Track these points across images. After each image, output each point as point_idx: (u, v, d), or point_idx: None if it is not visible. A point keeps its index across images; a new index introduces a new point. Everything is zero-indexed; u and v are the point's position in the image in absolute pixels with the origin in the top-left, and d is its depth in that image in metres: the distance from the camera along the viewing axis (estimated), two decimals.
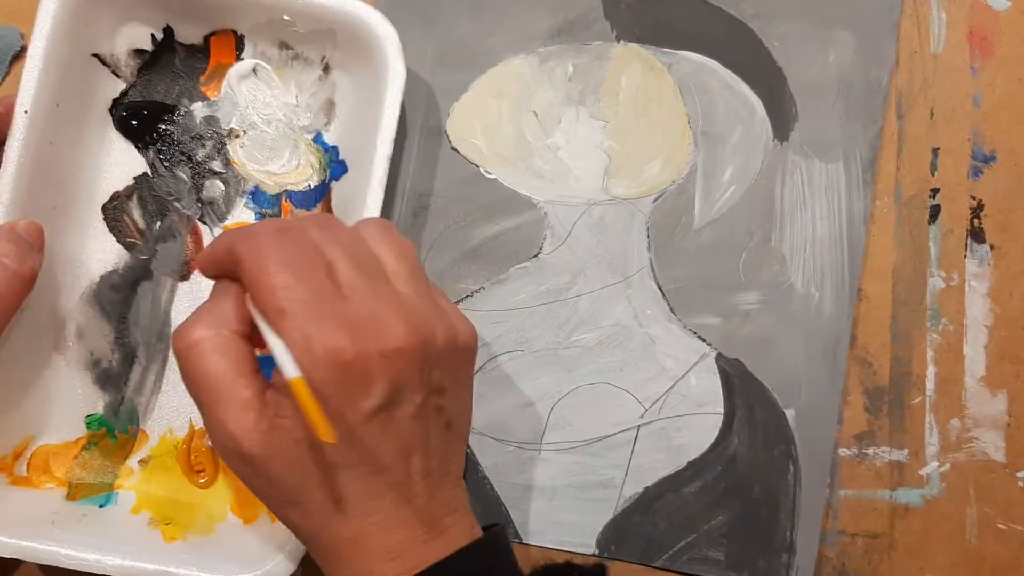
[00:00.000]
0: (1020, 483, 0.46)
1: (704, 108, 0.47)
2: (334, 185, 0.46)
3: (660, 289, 0.46)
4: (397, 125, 0.42)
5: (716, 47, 0.47)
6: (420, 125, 0.47)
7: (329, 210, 0.46)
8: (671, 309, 0.46)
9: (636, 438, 0.46)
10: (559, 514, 0.45)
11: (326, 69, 0.46)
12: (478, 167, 0.47)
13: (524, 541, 0.45)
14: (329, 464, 0.33)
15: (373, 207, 0.42)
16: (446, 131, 0.47)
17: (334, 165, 0.46)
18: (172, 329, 0.45)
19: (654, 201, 0.47)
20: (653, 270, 0.47)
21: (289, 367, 0.31)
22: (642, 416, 0.46)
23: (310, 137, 0.46)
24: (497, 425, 0.46)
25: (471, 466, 0.46)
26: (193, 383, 0.34)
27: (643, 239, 0.47)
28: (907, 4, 0.47)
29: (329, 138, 0.46)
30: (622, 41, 0.47)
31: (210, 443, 0.34)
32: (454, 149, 0.47)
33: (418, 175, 0.47)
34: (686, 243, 0.46)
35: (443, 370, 0.34)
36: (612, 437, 0.46)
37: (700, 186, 0.47)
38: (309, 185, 0.46)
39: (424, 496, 0.34)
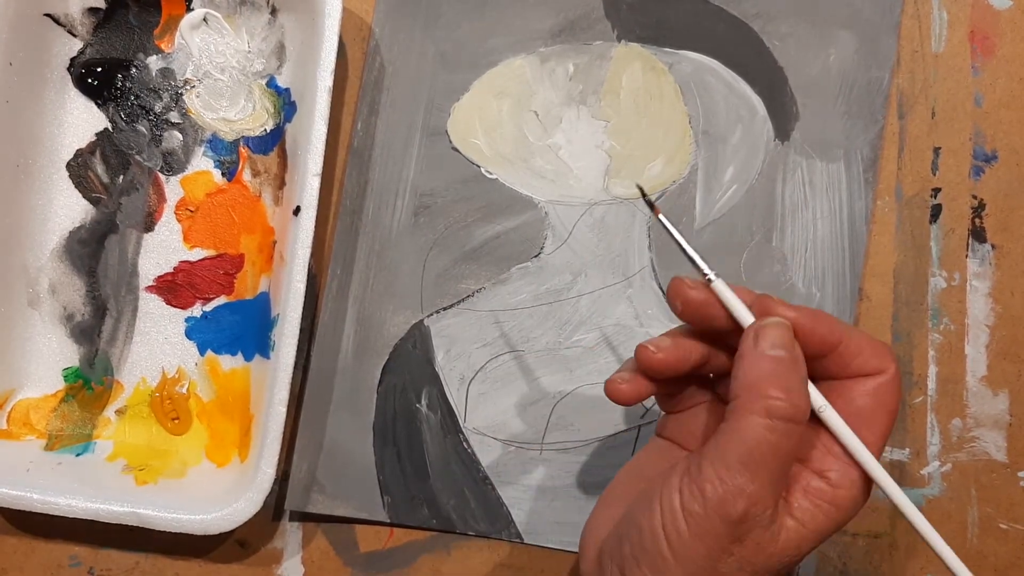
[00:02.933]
0: (1022, 483, 0.46)
1: (705, 108, 0.47)
2: (287, 127, 0.47)
3: (661, 289, 0.46)
4: (336, 59, 0.43)
5: (717, 47, 0.47)
6: (421, 125, 0.47)
7: (284, 152, 0.47)
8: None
9: (637, 438, 0.46)
10: (560, 514, 0.45)
11: (273, 12, 0.46)
12: (479, 167, 0.47)
13: (525, 541, 0.45)
14: None
15: (317, 142, 0.42)
16: (447, 131, 0.47)
17: (287, 107, 0.47)
18: (140, 280, 0.47)
19: (655, 201, 0.47)
20: (654, 270, 0.47)
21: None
22: (643, 416, 0.46)
23: (264, 82, 0.47)
24: (498, 425, 0.46)
25: (471, 467, 0.46)
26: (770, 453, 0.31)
27: (644, 239, 0.47)
28: (908, 3, 0.47)
29: (282, 81, 0.47)
30: (623, 41, 0.47)
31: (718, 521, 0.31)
32: (455, 149, 0.47)
33: (419, 175, 0.47)
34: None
35: None
36: (613, 437, 0.46)
37: (701, 186, 0.47)
38: (265, 130, 0.47)
39: None
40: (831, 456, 0.33)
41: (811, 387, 0.33)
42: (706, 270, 0.34)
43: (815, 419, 0.33)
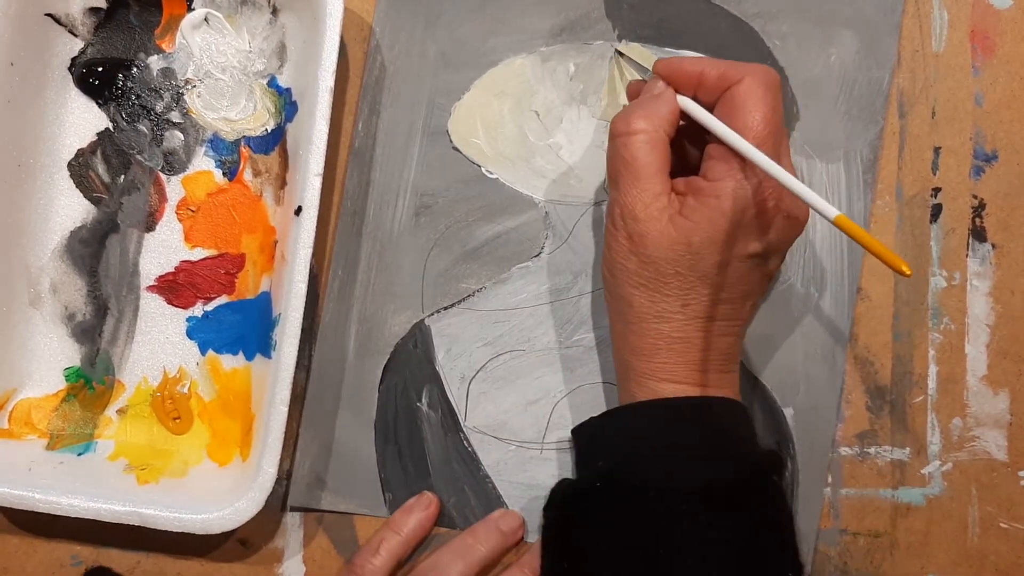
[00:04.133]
0: (1022, 482, 0.46)
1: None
2: (288, 127, 0.47)
3: None
4: (337, 59, 0.43)
5: (717, 46, 0.47)
6: (422, 125, 0.47)
7: (285, 152, 0.47)
8: None
9: None
10: None
11: (275, 12, 0.46)
12: (480, 167, 0.47)
13: (527, 539, 0.46)
14: (696, 274, 0.38)
15: (318, 142, 0.42)
16: (448, 131, 0.47)
17: (288, 107, 0.47)
18: (141, 279, 0.47)
19: None
20: None
21: (827, 208, 0.35)
22: None
23: (265, 82, 0.47)
24: (499, 424, 0.46)
25: (472, 465, 0.46)
26: (620, 163, 0.39)
27: None
28: (909, 3, 0.47)
29: (283, 81, 0.47)
30: (624, 40, 0.47)
31: (612, 219, 0.39)
32: (456, 149, 0.47)
33: (420, 175, 0.47)
34: None
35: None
36: None
37: None
38: (266, 129, 0.47)
39: (737, 338, 0.41)
40: (711, 160, 0.39)
41: (684, 99, 0.40)
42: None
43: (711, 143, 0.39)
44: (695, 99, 0.40)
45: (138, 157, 0.47)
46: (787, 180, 0.36)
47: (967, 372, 0.46)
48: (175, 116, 0.47)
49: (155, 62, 0.47)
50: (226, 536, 0.46)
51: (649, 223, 0.38)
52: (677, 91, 0.40)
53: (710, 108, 0.39)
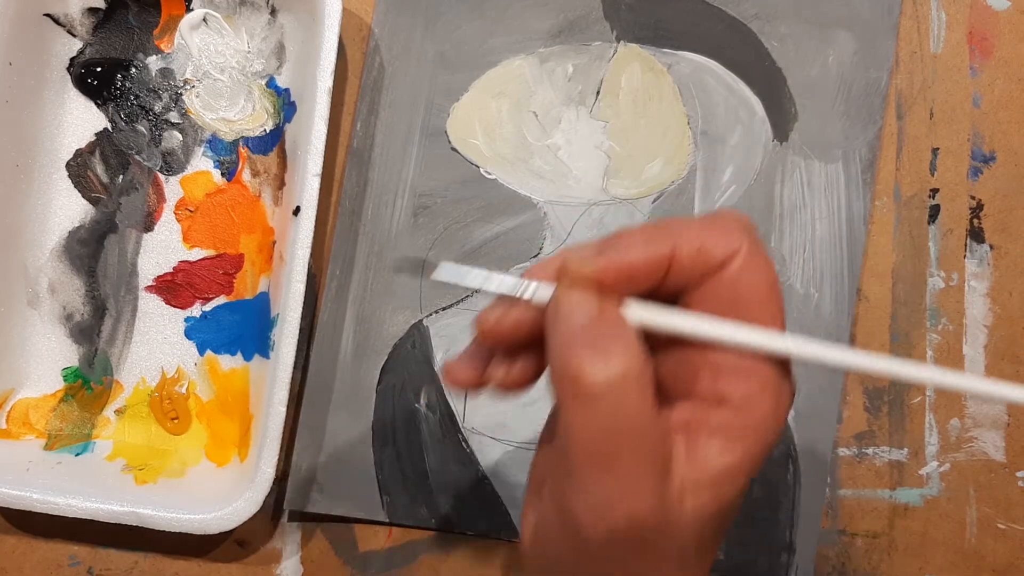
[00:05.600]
0: (1020, 483, 0.46)
1: (704, 108, 0.47)
2: (287, 127, 0.47)
3: None
4: (336, 60, 0.43)
5: (716, 47, 0.47)
6: (420, 125, 0.47)
7: (283, 152, 0.47)
8: None
9: None
10: None
11: (273, 12, 0.46)
12: (478, 167, 0.47)
13: None
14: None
15: (316, 142, 0.42)
16: (446, 131, 0.47)
17: (287, 108, 0.47)
18: (139, 280, 0.47)
19: (654, 201, 0.47)
20: None
21: None
22: None
23: (263, 82, 0.47)
24: (497, 425, 0.46)
25: (471, 465, 0.46)
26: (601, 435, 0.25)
27: None
28: (907, 4, 0.47)
29: (281, 81, 0.47)
30: (622, 41, 0.47)
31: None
32: (454, 149, 0.47)
33: (418, 175, 0.47)
34: None
35: None
36: None
37: (700, 186, 0.47)
38: (264, 130, 0.47)
39: None
40: (723, 376, 0.26)
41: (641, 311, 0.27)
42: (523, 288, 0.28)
43: (687, 346, 0.27)
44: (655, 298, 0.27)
45: (136, 157, 0.47)
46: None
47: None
48: (174, 116, 0.47)
49: (154, 62, 0.47)
50: (224, 537, 0.46)
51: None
52: (621, 297, 0.27)
53: (673, 298, 0.27)
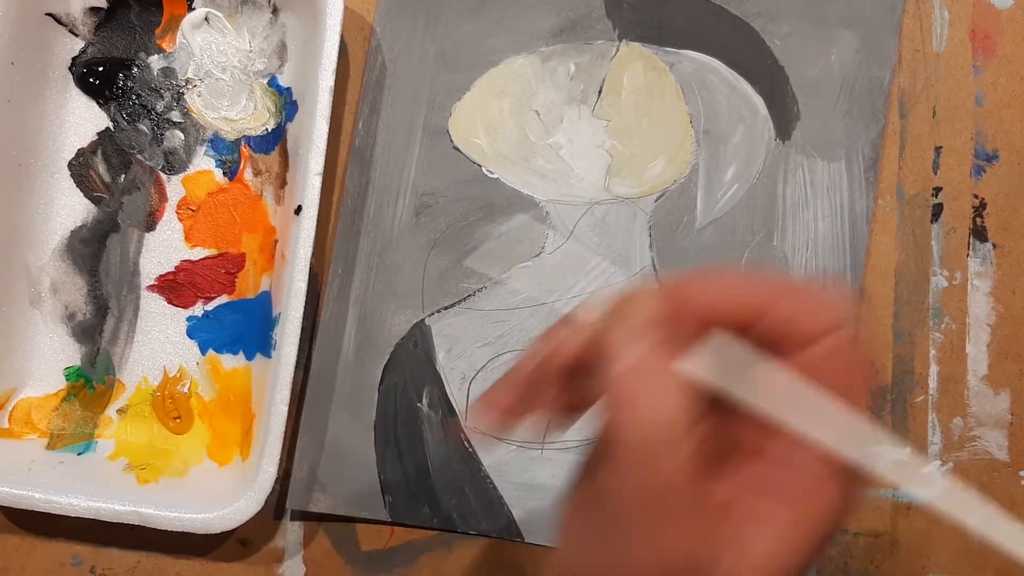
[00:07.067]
0: (1023, 482, 0.46)
1: (706, 107, 0.47)
2: (288, 126, 0.47)
3: None
4: (337, 59, 0.43)
5: (718, 46, 0.47)
6: (422, 124, 0.47)
7: (285, 151, 0.47)
8: None
9: None
10: None
11: (275, 11, 0.46)
12: (480, 166, 0.47)
13: (526, 540, 0.45)
14: None
15: (318, 141, 0.42)
16: (448, 130, 0.47)
17: (288, 107, 0.47)
18: (141, 279, 0.47)
19: (656, 200, 0.47)
20: (655, 269, 0.47)
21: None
22: None
23: (265, 81, 0.47)
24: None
25: (472, 465, 0.46)
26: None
27: (645, 238, 0.47)
28: (909, 3, 0.47)
29: (283, 80, 0.47)
30: (624, 40, 0.47)
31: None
32: (456, 148, 0.47)
33: (420, 175, 0.47)
34: (688, 242, 0.46)
35: None
36: None
37: (702, 185, 0.47)
38: (266, 129, 0.47)
39: None
40: (785, 464, 0.25)
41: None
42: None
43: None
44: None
45: (138, 157, 0.47)
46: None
47: (968, 372, 0.46)
48: (175, 116, 0.47)
49: (155, 62, 0.47)
50: (226, 536, 0.46)
51: None
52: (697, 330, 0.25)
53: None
